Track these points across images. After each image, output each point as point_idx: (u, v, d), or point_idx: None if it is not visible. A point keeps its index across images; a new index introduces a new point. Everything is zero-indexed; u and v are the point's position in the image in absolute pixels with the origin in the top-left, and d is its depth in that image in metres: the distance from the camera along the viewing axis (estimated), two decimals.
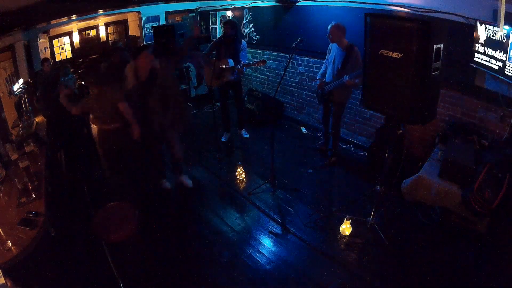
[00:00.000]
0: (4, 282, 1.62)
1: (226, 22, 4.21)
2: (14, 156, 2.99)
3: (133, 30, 6.90)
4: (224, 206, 3.40)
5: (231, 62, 4.16)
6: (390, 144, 2.71)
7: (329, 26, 3.47)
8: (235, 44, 4.19)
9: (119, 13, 6.48)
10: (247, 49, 4.63)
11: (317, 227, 2.98)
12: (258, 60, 4.15)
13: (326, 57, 3.75)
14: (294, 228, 2.98)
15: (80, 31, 6.27)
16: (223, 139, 4.76)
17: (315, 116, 5.03)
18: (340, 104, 3.71)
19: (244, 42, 4.30)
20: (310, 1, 4.48)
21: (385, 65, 2.30)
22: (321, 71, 3.84)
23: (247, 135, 4.86)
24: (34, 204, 2.32)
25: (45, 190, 2.51)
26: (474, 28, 2.84)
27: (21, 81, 4.18)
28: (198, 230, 3.06)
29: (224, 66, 4.18)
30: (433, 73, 2.21)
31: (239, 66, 4.11)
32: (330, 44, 3.63)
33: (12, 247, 1.89)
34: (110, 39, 6.73)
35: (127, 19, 6.80)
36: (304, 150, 4.43)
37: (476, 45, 2.87)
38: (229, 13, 6.23)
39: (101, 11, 5.26)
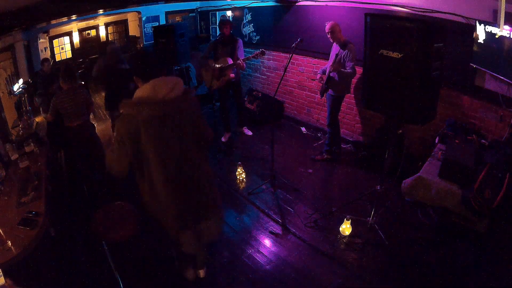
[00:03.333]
0: (4, 282, 1.62)
1: (221, 22, 4.24)
2: (14, 156, 2.99)
3: (133, 30, 6.91)
4: (224, 206, 3.38)
5: (230, 61, 4.16)
6: (390, 144, 2.71)
7: (326, 27, 3.55)
8: (232, 43, 4.20)
9: (119, 13, 6.49)
10: (245, 48, 4.62)
11: (317, 227, 2.98)
12: (257, 51, 4.12)
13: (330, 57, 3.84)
14: (294, 228, 2.98)
15: (80, 31, 6.28)
16: (223, 139, 4.77)
17: (315, 116, 5.03)
18: (334, 97, 3.75)
19: (240, 41, 4.31)
20: (310, 1, 4.48)
21: (385, 65, 2.31)
22: (323, 68, 3.92)
23: (250, 133, 4.86)
24: (34, 204, 2.32)
25: (45, 190, 2.51)
26: (474, 28, 2.84)
27: (21, 81, 4.19)
28: None
29: (223, 65, 4.19)
30: (433, 73, 2.22)
31: (239, 62, 4.11)
32: (332, 44, 3.71)
33: (12, 247, 1.89)
34: (110, 39, 6.74)
35: (127, 19, 6.81)
36: (304, 150, 4.43)
37: (476, 45, 2.87)
38: (229, 13, 6.23)
39: (101, 11, 5.25)
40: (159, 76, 1.71)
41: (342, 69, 3.49)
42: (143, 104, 1.62)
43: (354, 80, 4.20)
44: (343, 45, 3.53)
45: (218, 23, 4.59)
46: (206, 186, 1.92)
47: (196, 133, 1.81)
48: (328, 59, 3.85)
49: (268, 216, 3.18)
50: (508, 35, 2.50)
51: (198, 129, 1.83)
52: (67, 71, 3.28)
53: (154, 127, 1.64)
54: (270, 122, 4.72)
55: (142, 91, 1.67)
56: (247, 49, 5.24)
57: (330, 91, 3.75)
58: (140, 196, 1.89)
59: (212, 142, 1.99)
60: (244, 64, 4.19)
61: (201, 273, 2.46)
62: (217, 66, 4.21)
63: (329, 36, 3.58)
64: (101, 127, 5.36)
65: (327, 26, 3.55)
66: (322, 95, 3.92)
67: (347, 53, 3.46)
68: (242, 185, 3.75)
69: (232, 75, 4.24)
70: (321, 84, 3.83)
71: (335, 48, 3.66)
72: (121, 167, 1.75)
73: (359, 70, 4.03)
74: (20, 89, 4.06)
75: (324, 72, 3.82)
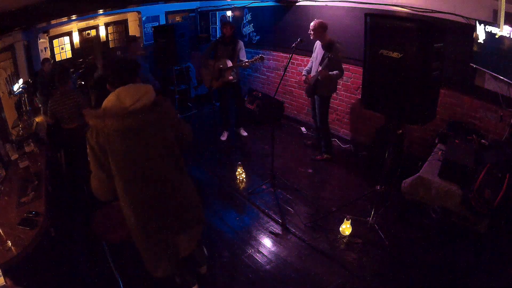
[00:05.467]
0: (4, 282, 1.62)
1: (224, 23, 4.25)
2: (14, 156, 3.00)
3: (133, 30, 6.89)
4: (224, 206, 3.40)
5: (229, 63, 4.17)
6: (390, 144, 2.71)
7: (311, 23, 3.54)
8: (233, 44, 4.21)
9: (119, 13, 6.48)
10: (245, 49, 4.63)
11: (317, 227, 2.98)
12: (256, 56, 4.13)
13: (312, 55, 3.84)
14: (294, 228, 2.98)
15: (80, 31, 6.27)
16: (222, 138, 4.77)
17: None
18: (323, 97, 3.77)
19: (241, 42, 4.31)
20: (310, 1, 4.48)
21: (385, 65, 2.31)
22: (306, 68, 3.96)
23: (245, 133, 4.87)
24: (34, 204, 2.32)
25: (45, 190, 2.51)
26: (474, 28, 2.84)
27: (21, 81, 4.18)
28: None
29: (222, 66, 4.20)
30: (433, 73, 2.22)
31: (246, 64, 4.13)
32: (316, 42, 3.72)
33: (12, 247, 1.89)
34: (110, 39, 6.73)
35: (127, 19, 6.79)
36: (304, 150, 4.43)
37: (476, 45, 2.87)
38: (229, 13, 6.23)
39: (101, 11, 5.25)
40: (129, 84, 1.55)
41: (330, 73, 3.48)
42: (106, 115, 1.47)
43: (354, 80, 4.21)
44: (328, 46, 3.49)
45: (220, 24, 4.60)
46: (180, 204, 1.75)
47: (169, 146, 1.65)
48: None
49: (268, 216, 3.18)
50: (508, 35, 2.50)
51: (173, 138, 1.65)
52: (61, 73, 3.27)
53: (117, 141, 1.50)
54: (270, 122, 4.72)
55: (107, 101, 1.53)
56: (247, 49, 5.23)
57: (318, 93, 3.75)
58: None
59: (191, 140, 1.86)
60: (248, 65, 4.20)
61: (203, 270, 2.46)
62: (217, 66, 4.22)
63: (312, 33, 3.53)
64: None
65: (312, 25, 3.51)
66: (309, 96, 3.94)
67: (334, 53, 3.42)
68: (242, 185, 3.75)
69: (231, 77, 4.24)
70: (306, 85, 3.84)
71: (318, 46, 3.66)
72: (103, 188, 1.63)
73: (357, 70, 4.06)
74: (20, 89, 4.06)
75: (308, 72, 3.84)
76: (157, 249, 1.78)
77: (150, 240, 1.74)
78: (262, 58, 4.02)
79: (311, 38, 3.61)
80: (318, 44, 3.70)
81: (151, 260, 1.83)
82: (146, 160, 1.59)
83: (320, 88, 3.67)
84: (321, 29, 3.50)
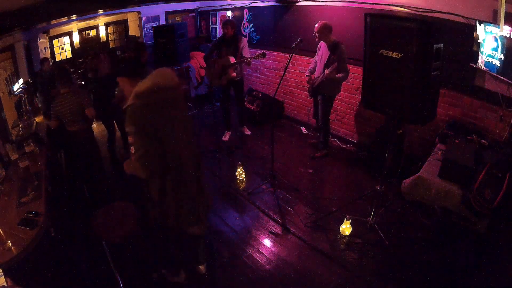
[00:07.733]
0: (4, 282, 1.62)
1: (225, 22, 4.24)
2: (14, 156, 3.00)
3: (133, 30, 6.89)
4: (224, 206, 3.40)
5: (232, 60, 4.17)
6: (390, 144, 2.71)
7: (315, 25, 3.61)
8: (236, 42, 4.21)
9: (119, 13, 6.48)
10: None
11: (317, 227, 2.98)
12: (258, 52, 4.12)
13: (316, 55, 3.90)
14: (294, 228, 2.98)
15: (80, 31, 6.27)
16: (224, 139, 4.77)
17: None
18: (327, 97, 3.82)
19: (245, 39, 4.31)
20: (310, 1, 4.48)
21: (385, 65, 2.31)
22: (310, 68, 4.00)
23: (249, 132, 4.88)
24: (34, 204, 2.32)
25: (45, 190, 2.51)
26: (474, 28, 2.84)
27: (21, 81, 4.18)
28: None
29: (224, 64, 4.19)
30: (433, 73, 2.22)
31: (248, 60, 4.12)
32: (320, 42, 3.77)
33: (12, 247, 1.89)
34: (110, 39, 6.73)
35: (127, 19, 6.80)
36: (304, 150, 4.43)
37: (476, 45, 2.87)
38: (229, 13, 6.23)
39: (101, 11, 5.25)
40: (145, 73, 1.84)
41: (336, 75, 3.53)
42: (154, 91, 1.72)
43: (354, 80, 4.21)
44: (333, 48, 3.55)
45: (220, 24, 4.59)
46: (200, 170, 2.08)
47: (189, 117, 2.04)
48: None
49: (268, 216, 3.18)
50: (508, 35, 2.50)
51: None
52: (62, 74, 3.16)
53: (164, 111, 1.76)
54: (270, 122, 4.72)
55: (147, 82, 1.74)
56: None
57: (322, 93, 3.79)
58: (146, 197, 1.96)
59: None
60: (250, 61, 4.19)
61: (202, 268, 2.48)
62: (220, 64, 4.22)
63: (317, 34, 3.61)
64: (102, 127, 5.35)
65: (317, 26, 3.58)
66: (311, 96, 3.99)
67: (339, 55, 3.49)
68: (242, 185, 3.75)
69: (234, 74, 4.25)
70: (309, 85, 3.89)
71: (323, 47, 3.71)
72: (153, 160, 1.77)
73: (357, 70, 4.06)
74: (20, 89, 4.05)
75: (311, 72, 3.89)
76: (199, 208, 2.04)
77: (195, 201, 1.99)
78: (264, 54, 4.02)
79: (316, 40, 3.65)
80: (323, 44, 3.72)
81: (192, 219, 2.05)
82: (184, 126, 1.90)
83: (325, 88, 3.73)
84: (326, 30, 3.56)
